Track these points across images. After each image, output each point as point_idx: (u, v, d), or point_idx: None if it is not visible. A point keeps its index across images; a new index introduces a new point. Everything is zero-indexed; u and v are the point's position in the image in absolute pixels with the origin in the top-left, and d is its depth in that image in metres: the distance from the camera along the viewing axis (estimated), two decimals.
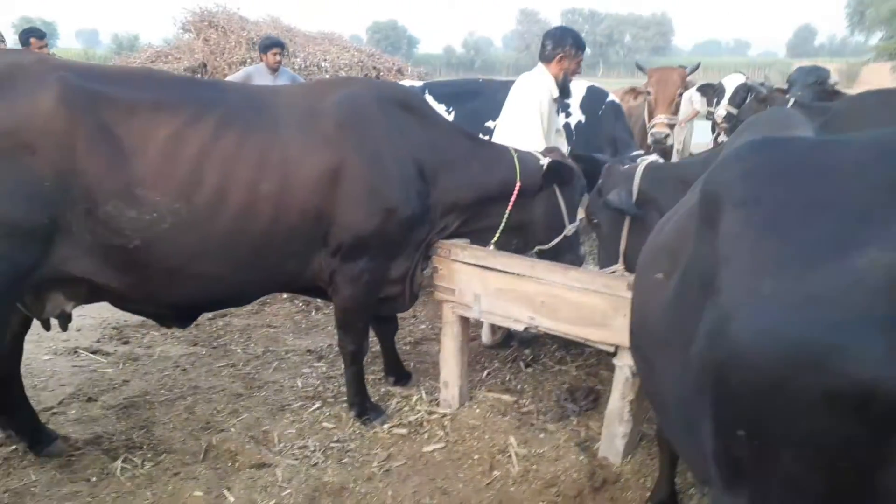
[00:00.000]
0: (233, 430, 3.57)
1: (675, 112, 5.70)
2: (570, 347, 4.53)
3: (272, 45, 7.18)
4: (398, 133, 3.37)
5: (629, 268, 3.38)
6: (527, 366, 4.38)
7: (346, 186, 3.16)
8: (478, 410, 3.67)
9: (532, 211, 3.77)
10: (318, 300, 5.54)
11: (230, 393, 3.98)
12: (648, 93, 5.40)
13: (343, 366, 3.76)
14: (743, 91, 6.28)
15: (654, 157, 3.57)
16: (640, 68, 5.77)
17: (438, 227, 3.59)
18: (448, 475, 3.27)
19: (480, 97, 5.33)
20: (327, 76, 12.17)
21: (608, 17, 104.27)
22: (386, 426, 3.63)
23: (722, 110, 6.17)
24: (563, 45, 4.25)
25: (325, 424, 3.65)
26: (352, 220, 3.21)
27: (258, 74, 7.14)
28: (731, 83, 6.41)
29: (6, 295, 2.72)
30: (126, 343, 4.67)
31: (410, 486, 3.19)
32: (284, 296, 5.45)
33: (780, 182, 1.37)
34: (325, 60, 12.76)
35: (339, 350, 3.69)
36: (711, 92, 6.76)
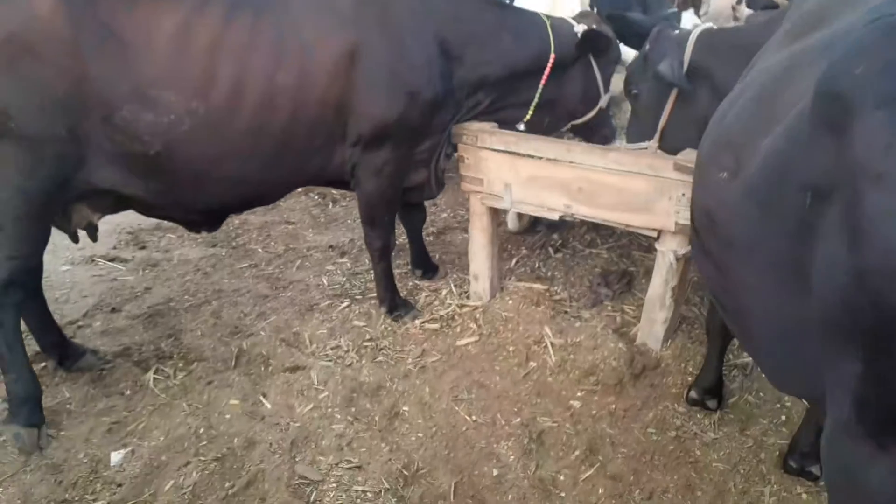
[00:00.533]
0: (262, 333, 3.51)
1: None
2: (599, 229, 4.36)
3: None
4: (420, 6, 3.06)
5: (665, 146, 3.13)
6: (556, 251, 4.24)
7: (364, 70, 2.88)
8: (510, 302, 3.57)
9: (567, 84, 3.49)
10: (334, 191, 5.39)
11: (255, 295, 3.90)
12: None
13: (370, 261, 3.63)
14: None
15: (708, 24, 3.19)
16: None
17: (466, 106, 3.35)
18: (484, 368, 3.22)
19: None
20: None
21: None
22: (417, 322, 3.55)
23: None
24: None
25: (355, 323, 3.58)
26: (372, 107, 2.96)
27: None
28: None
29: (39, 210, 2.59)
30: (143, 248, 4.55)
31: (447, 381, 3.15)
32: (299, 189, 5.25)
33: None
34: None
35: (366, 246, 3.54)
36: None
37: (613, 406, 2.96)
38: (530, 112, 3.49)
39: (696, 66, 2.92)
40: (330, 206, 5.24)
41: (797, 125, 1.36)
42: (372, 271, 4.04)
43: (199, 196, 2.90)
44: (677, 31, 3.10)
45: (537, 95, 3.44)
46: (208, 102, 2.64)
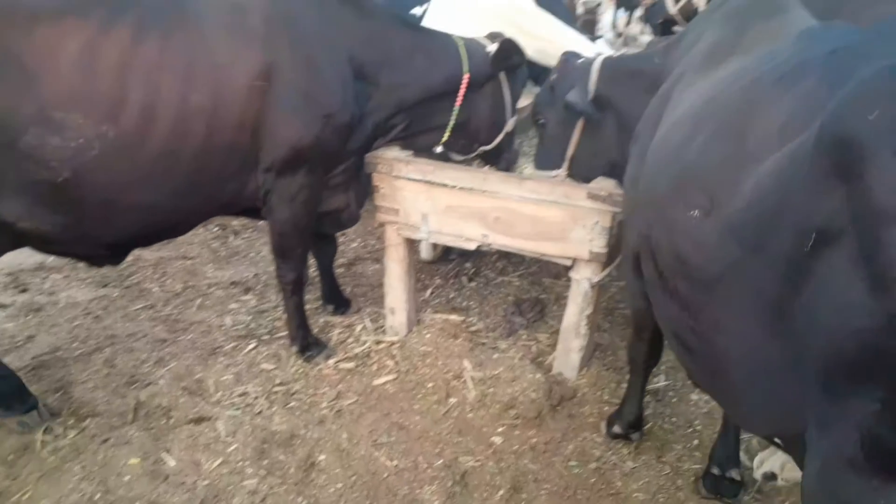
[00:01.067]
0: (162, 381, 3.26)
1: None
2: (511, 257, 4.37)
3: None
4: (333, 28, 2.95)
5: (573, 174, 3.16)
6: (470, 280, 4.20)
7: (279, 93, 2.76)
8: (428, 335, 3.49)
9: (479, 105, 3.45)
10: (234, 222, 5.16)
11: (152, 339, 3.63)
12: None
13: (280, 297, 3.45)
14: None
15: (610, 52, 3.26)
16: None
17: (382, 130, 3.27)
18: (403, 408, 3.12)
19: None
20: None
21: None
22: (331, 361, 3.40)
23: None
24: None
25: (263, 366, 3.39)
26: (287, 130, 2.83)
27: None
28: None
29: None
30: (24, 291, 4.15)
31: (365, 424, 3.02)
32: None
33: None
34: None
35: (278, 279, 3.34)
36: None
37: (534, 440, 2.93)
38: (446, 134, 3.44)
39: (600, 95, 2.94)
40: (230, 238, 4.99)
41: (791, 167, 1.34)
42: (280, 308, 3.88)
43: (109, 227, 2.71)
44: (581, 60, 3.12)
45: (453, 117, 3.40)
46: (118, 125, 2.49)
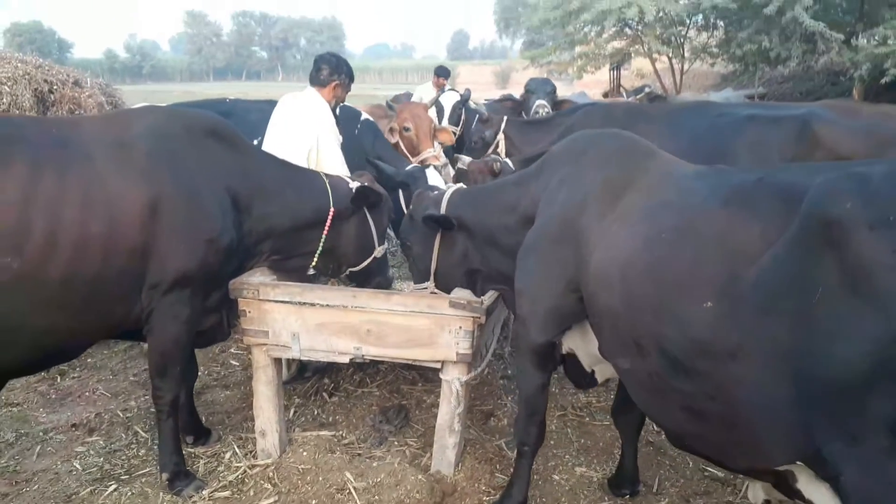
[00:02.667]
0: None
1: None
2: (366, 368, 4.57)
3: None
4: (211, 162, 3.24)
5: (439, 285, 3.57)
6: (331, 395, 4.32)
7: (165, 220, 2.99)
8: (304, 453, 3.53)
9: (345, 234, 3.80)
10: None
11: None
12: (407, 129, 5.65)
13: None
14: (459, 108, 6.90)
15: (459, 185, 3.82)
16: (391, 107, 5.98)
17: (253, 254, 3.52)
18: None
19: (233, 118, 5.02)
20: None
21: (280, 20, 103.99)
22: (205, 492, 3.31)
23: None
24: (339, 73, 4.30)
25: None
26: (173, 255, 3.04)
27: None
28: (448, 101, 6.94)
29: None
30: None
31: None
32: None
33: None
34: None
35: (154, 400, 3.32)
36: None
37: None
38: (315, 259, 3.75)
39: (453, 217, 3.44)
40: (58, 379, 4.64)
41: (787, 250, 1.91)
42: (135, 445, 3.75)
43: (5, 353, 2.75)
44: (434, 193, 3.68)
45: (321, 244, 3.72)
46: (23, 255, 2.63)
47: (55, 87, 12.26)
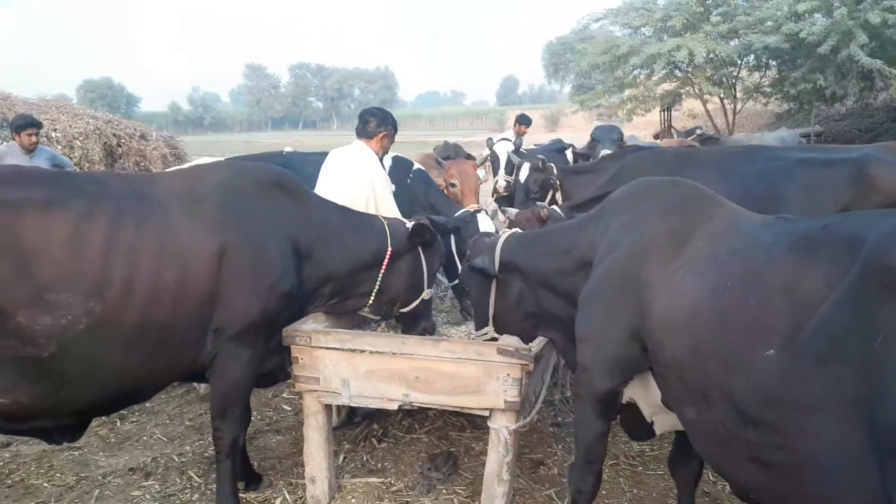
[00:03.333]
0: None
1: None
2: (415, 414, 4.57)
3: (27, 126, 6.36)
4: (275, 212, 3.44)
5: (498, 329, 3.61)
6: (379, 441, 4.33)
7: (231, 268, 3.17)
8: (353, 500, 3.55)
9: (399, 273, 3.93)
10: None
11: None
12: (453, 185, 5.79)
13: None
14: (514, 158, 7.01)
15: (514, 230, 3.88)
16: (440, 163, 6.16)
17: (315, 297, 3.67)
18: None
19: (291, 169, 5.21)
20: (59, 147, 11.00)
21: (335, 71, 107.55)
22: None
23: (502, 181, 6.78)
24: (385, 125, 4.47)
25: None
26: (238, 301, 3.21)
27: (11, 154, 6.24)
28: (502, 151, 7.06)
29: None
30: None
31: None
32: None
33: None
34: (55, 130, 11.53)
35: (215, 442, 3.44)
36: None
37: None
38: (371, 298, 3.87)
39: (506, 262, 3.51)
40: (118, 423, 4.78)
41: (846, 296, 1.90)
42: (189, 489, 3.83)
43: (85, 393, 2.95)
44: (490, 238, 3.72)
45: (377, 284, 3.84)
46: (103, 300, 2.80)
47: (123, 140, 12.95)
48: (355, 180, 4.32)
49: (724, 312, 2.29)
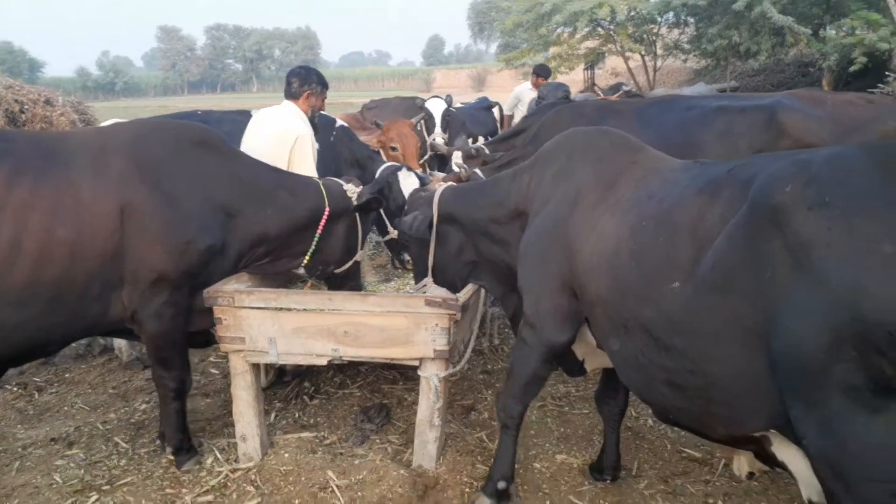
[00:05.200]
0: None
1: None
2: (346, 370, 4.59)
3: None
4: (192, 169, 3.36)
5: (437, 279, 3.65)
6: (311, 398, 4.33)
7: (139, 226, 3.14)
8: (286, 455, 3.55)
9: (335, 235, 3.90)
10: (37, 378, 4.81)
11: None
12: (394, 148, 5.69)
13: (161, 405, 3.62)
14: (447, 115, 6.96)
15: (449, 184, 3.89)
16: (378, 125, 6.02)
17: (248, 255, 3.62)
18: None
19: None
20: None
21: (254, 31, 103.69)
22: (188, 498, 3.32)
23: (438, 139, 6.73)
24: (308, 83, 4.37)
25: None
26: (147, 259, 3.18)
27: None
28: (436, 109, 6.99)
29: None
30: None
31: None
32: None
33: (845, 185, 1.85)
34: None
35: (157, 387, 3.53)
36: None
37: None
38: (306, 259, 3.84)
39: (443, 214, 3.55)
40: (35, 395, 4.61)
41: (738, 233, 2.03)
42: (115, 455, 3.77)
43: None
44: (426, 192, 3.78)
45: (313, 244, 3.81)
46: None
47: (26, 106, 12.23)
48: (279, 137, 4.21)
49: (638, 250, 2.43)
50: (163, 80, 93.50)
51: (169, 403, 3.52)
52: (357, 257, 4.05)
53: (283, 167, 4.08)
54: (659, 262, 2.32)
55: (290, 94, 4.38)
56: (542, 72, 9.39)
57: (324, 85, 4.47)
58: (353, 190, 3.93)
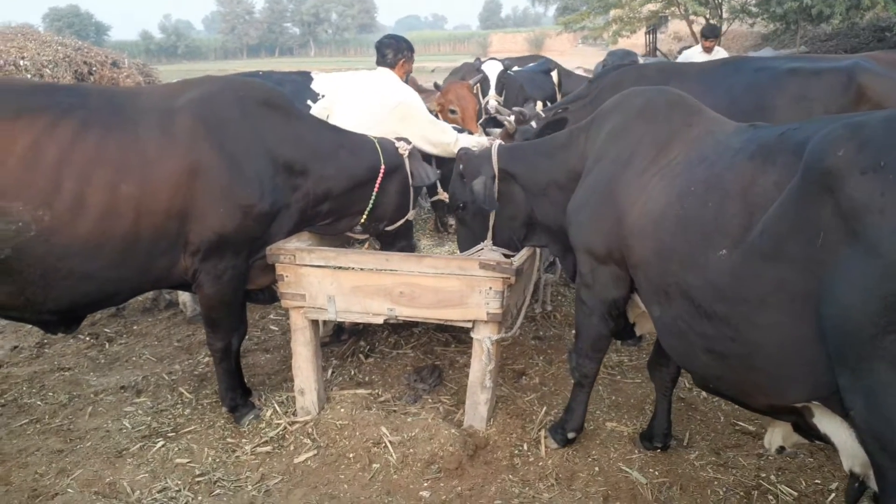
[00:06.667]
0: (71, 491, 3.15)
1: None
2: (401, 331, 4.67)
3: None
4: (257, 130, 3.39)
5: (497, 242, 3.64)
6: (366, 357, 4.43)
7: (203, 186, 3.18)
8: (342, 410, 3.65)
9: (390, 192, 3.95)
10: (107, 329, 5.05)
11: (47, 451, 3.47)
12: (453, 111, 5.64)
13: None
14: (503, 77, 6.86)
15: (497, 140, 3.87)
16: (438, 88, 5.98)
17: (311, 215, 3.69)
18: (330, 480, 3.25)
19: None
20: (29, 76, 10.70)
21: None
22: (248, 448, 3.46)
23: (493, 101, 6.66)
24: (401, 51, 4.48)
25: (178, 461, 3.37)
26: (210, 219, 3.23)
27: None
28: (491, 71, 6.89)
29: None
30: None
31: (296, 499, 3.12)
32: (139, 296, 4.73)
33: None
34: (22, 58, 11.15)
35: (208, 346, 3.64)
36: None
37: (459, 488, 3.18)
38: (364, 218, 3.90)
39: (504, 172, 3.53)
40: (106, 345, 4.84)
41: (790, 199, 1.98)
42: (181, 405, 3.95)
43: (49, 294, 3.04)
44: (478, 150, 3.70)
45: (371, 203, 3.87)
46: (53, 210, 2.88)
47: (94, 68, 12.58)
48: (391, 107, 4.27)
49: (685, 215, 2.39)
50: (223, 44, 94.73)
51: (217, 363, 3.63)
52: (409, 216, 4.09)
53: (390, 135, 4.09)
54: (706, 228, 2.28)
55: (386, 64, 4.47)
56: (710, 33, 8.87)
57: (412, 51, 4.59)
58: (404, 147, 3.96)
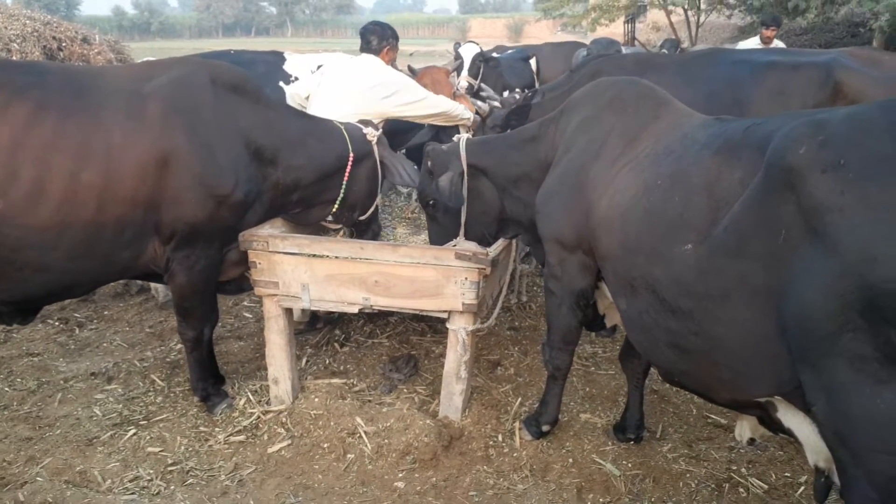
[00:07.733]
0: (40, 479, 3.10)
1: None
2: (376, 320, 4.66)
3: None
4: (230, 116, 3.28)
5: (469, 236, 3.61)
6: (341, 346, 4.42)
7: (174, 175, 3.07)
8: (316, 399, 3.63)
9: (359, 179, 3.90)
10: (77, 314, 4.96)
11: (16, 438, 3.41)
12: None
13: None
14: (479, 61, 6.83)
15: (467, 135, 3.83)
16: (413, 71, 5.92)
17: (282, 204, 3.62)
18: (304, 470, 3.24)
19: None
20: None
21: None
22: (221, 437, 3.44)
23: (464, 81, 6.63)
24: (386, 38, 4.44)
25: (150, 450, 3.33)
26: (181, 209, 3.13)
27: None
28: (467, 53, 6.88)
29: None
30: None
31: (269, 489, 3.10)
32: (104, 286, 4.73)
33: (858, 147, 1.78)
34: None
35: (179, 335, 3.58)
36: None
37: (434, 479, 3.19)
38: (335, 207, 3.84)
39: (474, 167, 3.49)
40: (76, 331, 4.76)
41: (754, 195, 1.99)
42: (153, 392, 3.90)
43: (6, 284, 2.93)
44: (447, 145, 3.66)
45: (342, 191, 3.81)
46: (7, 197, 2.73)
47: (64, 44, 12.27)
48: (377, 90, 4.23)
49: (651, 208, 2.40)
50: (197, 22, 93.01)
51: (189, 353, 3.56)
52: (378, 201, 4.06)
53: (376, 118, 4.07)
54: (671, 222, 2.29)
55: (370, 50, 4.42)
56: (772, 21, 8.40)
57: (396, 38, 4.54)
58: (372, 133, 3.91)
